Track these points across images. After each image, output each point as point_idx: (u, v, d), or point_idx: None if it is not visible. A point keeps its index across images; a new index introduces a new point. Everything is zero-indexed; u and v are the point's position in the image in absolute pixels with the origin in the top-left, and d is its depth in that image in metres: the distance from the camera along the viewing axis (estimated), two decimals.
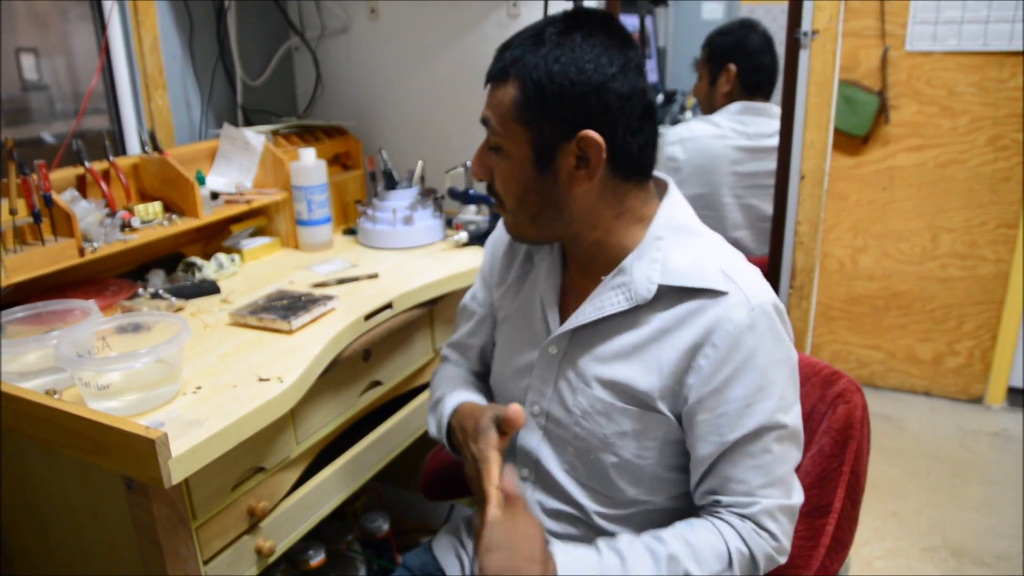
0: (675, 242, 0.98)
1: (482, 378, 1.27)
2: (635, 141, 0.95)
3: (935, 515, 2.39)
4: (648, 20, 3.30)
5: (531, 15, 1.81)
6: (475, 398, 1.15)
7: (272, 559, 1.26)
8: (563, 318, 1.05)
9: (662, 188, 1.04)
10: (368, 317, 1.40)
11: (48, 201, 1.30)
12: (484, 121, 0.97)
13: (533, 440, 1.09)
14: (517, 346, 1.12)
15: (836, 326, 3.23)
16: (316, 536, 1.62)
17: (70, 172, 1.46)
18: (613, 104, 0.92)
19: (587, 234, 1.00)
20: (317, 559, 1.56)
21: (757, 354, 0.93)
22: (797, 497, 0.99)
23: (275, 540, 1.25)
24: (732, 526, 0.95)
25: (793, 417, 0.97)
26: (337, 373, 1.37)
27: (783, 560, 0.98)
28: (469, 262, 1.64)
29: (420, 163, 1.80)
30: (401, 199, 1.75)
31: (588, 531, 1.06)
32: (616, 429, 0.99)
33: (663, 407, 0.97)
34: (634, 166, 0.97)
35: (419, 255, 1.70)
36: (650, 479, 1.02)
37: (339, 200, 1.89)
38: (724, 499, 0.97)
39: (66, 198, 1.38)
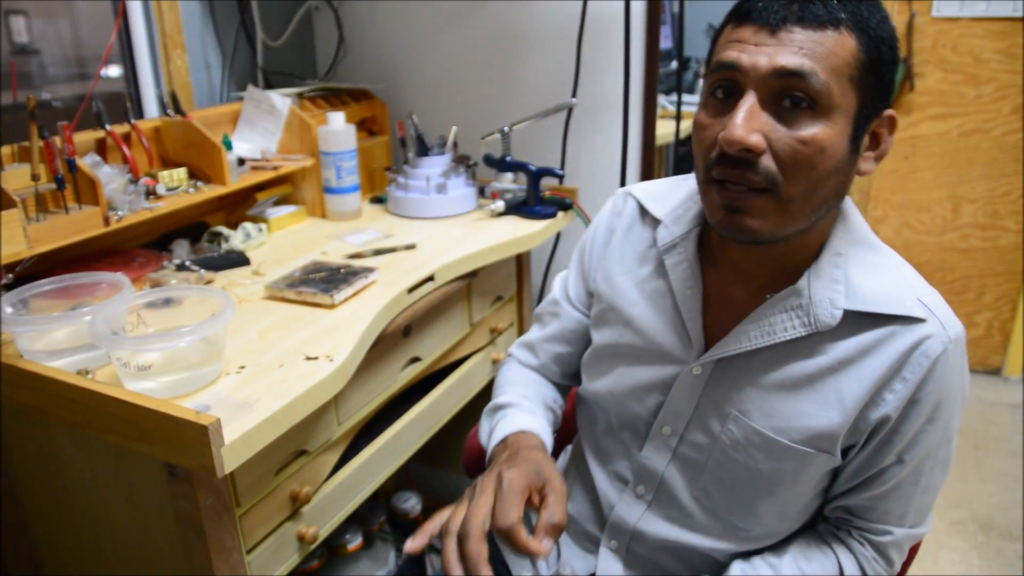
0: (857, 259, 0.85)
1: (555, 381, 1.16)
2: None
3: (961, 488, 2.37)
4: None
5: None
6: (543, 427, 1.01)
7: (314, 546, 1.20)
8: (708, 333, 0.92)
9: None
10: (411, 290, 1.33)
11: (72, 166, 1.21)
12: (791, 73, 0.73)
13: (659, 460, 0.96)
14: (641, 358, 0.97)
15: None
16: (351, 518, 1.57)
17: (89, 136, 1.37)
18: (896, 79, 0.81)
19: (803, 238, 0.84)
20: (355, 543, 1.51)
21: (944, 390, 0.84)
22: (927, 525, 0.94)
23: (317, 526, 1.19)
24: (852, 551, 0.91)
25: (953, 446, 0.90)
26: (378, 350, 1.30)
27: None
28: (507, 232, 1.57)
29: (454, 128, 1.71)
30: (434, 166, 1.66)
31: (694, 562, 0.98)
32: (775, 466, 0.88)
33: (839, 447, 0.86)
34: None
35: (454, 225, 1.62)
36: (797, 512, 0.93)
37: (365, 167, 1.80)
38: (857, 522, 0.92)
39: (88, 163, 1.29)
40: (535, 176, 1.64)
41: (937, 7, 2.74)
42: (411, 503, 1.72)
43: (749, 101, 0.75)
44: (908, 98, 2.87)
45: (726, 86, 0.78)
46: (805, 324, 0.84)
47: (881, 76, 0.77)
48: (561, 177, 1.65)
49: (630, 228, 1.02)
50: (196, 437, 0.88)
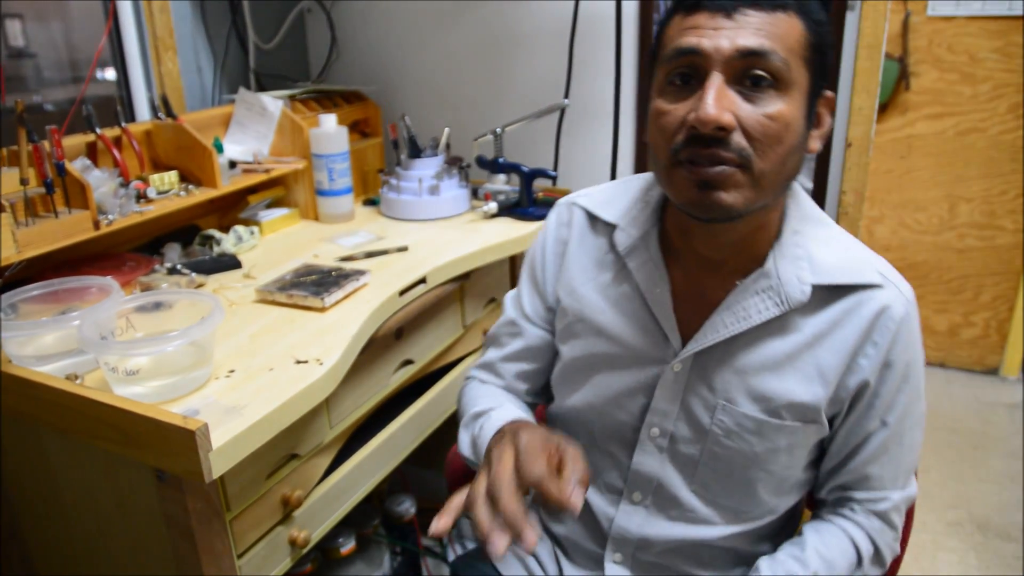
0: (812, 235, 0.89)
1: (522, 400, 1.12)
2: None
3: (958, 488, 2.36)
4: None
5: None
6: (529, 419, 0.99)
7: (306, 550, 1.20)
8: (682, 328, 0.92)
9: None
10: (402, 293, 1.32)
11: (61, 170, 1.21)
12: (754, 52, 0.76)
13: (652, 463, 0.97)
14: (618, 364, 0.97)
15: None
16: (344, 521, 1.56)
17: (79, 139, 1.36)
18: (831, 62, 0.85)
19: (764, 217, 0.87)
20: (348, 546, 1.50)
21: (912, 350, 0.89)
22: (915, 485, 0.98)
23: (309, 530, 1.19)
24: (861, 526, 0.94)
25: (924, 402, 0.95)
26: (370, 353, 1.29)
27: (898, 549, 0.98)
28: (500, 234, 1.56)
29: (446, 130, 1.71)
30: (426, 168, 1.66)
31: (703, 556, 0.99)
32: (769, 446, 0.91)
33: (825, 417, 0.90)
34: None
35: (447, 227, 1.62)
36: (791, 486, 0.96)
37: (358, 169, 1.80)
38: (857, 495, 0.95)
39: (78, 167, 1.29)
40: (528, 177, 1.63)
41: (932, 6, 2.73)
42: (405, 506, 1.71)
43: (717, 82, 0.77)
44: (904, 97, 2.86)
45: (685, 72, 0.79)
46: (778, 304, 0.87)
47: (824, 57, 0.81)
48: (554, 178, 1.65)
49: (582, 237, 1.02)
50: (183, 442, 0.88)
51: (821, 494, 0.98)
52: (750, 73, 0.77)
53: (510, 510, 0.72)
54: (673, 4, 0.83)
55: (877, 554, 0.95)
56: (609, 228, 0.99)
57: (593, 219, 1.01)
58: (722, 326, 0.89)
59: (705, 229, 0.87)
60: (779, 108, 0.77)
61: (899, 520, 0.96)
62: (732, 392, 0.90)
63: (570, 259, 1.02)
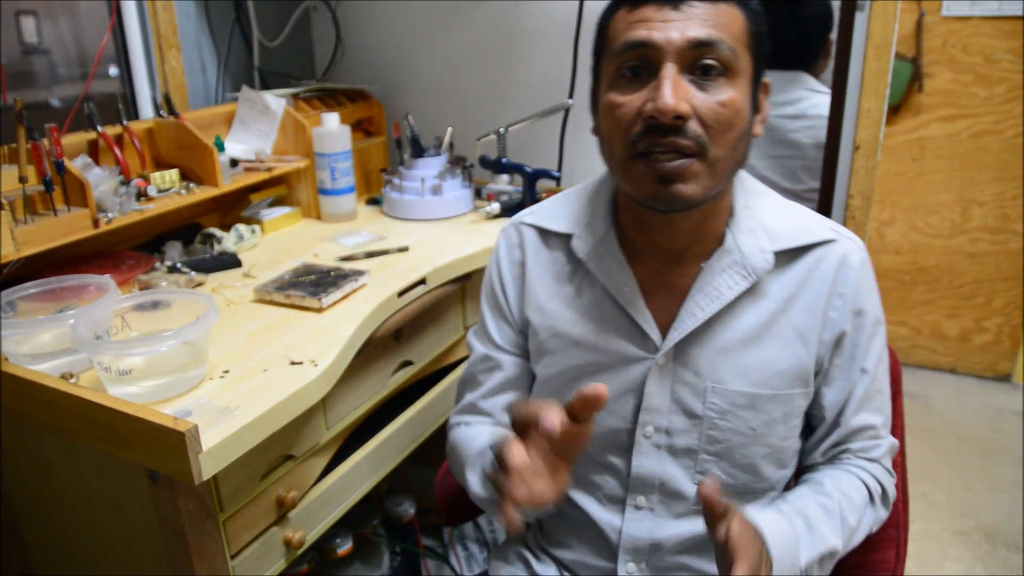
0: (761, 206, 0.93)
1: None
2: None
3: (967, 496, 2.34)
4: None
5: None
6: None
7: (301, 551, 1.19)
8: (657, 321, 0.93)
9: None
10: (401, 294, 1.32)
11: (60, 168, 1.21)
12: (703, 43, 0.79)
13: (651, 463, 0.95)
14: (602, 371, 0.96)
15: None
16: (341, 522, 1.56)
17: (81, 137, 1.37)
18: (768, 50, 0.86)
19: (718, 201, 0.89)
20: (345, 547, 1.50)
21: (873, 294, 0.94)
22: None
23: (304, 531, 1.18)
24: (864, 468, 0.98)
25: (888, 350, 0.99)
26: (369, 354, 1.28)
27: (896, 494, 1.02)
28: None
29: (449, 130, 1.71)
30: (429, 167, 1.65)
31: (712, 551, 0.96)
32: (764, 419, 0.92)
33: (811, 379, 0.93)
34: None
35: (449, 227, 1.61)
36: (790, 456, 0.98)
37: (362, 168, 1.79)
38: (853, 447, 0.97)
39: (78, 165, 1.29)
40: (531, 178, 1.62)
41: (947, 6, 2.70)
42: (404, 507, 1.71)
43: (671, 72, 0.79)
44: (917, 99, 2.83)
45: (636, 64, 0.82)
46: (745, 276, 0.89)
47: (762, 45, 0.85)
48: (558, 179, 1.64)
49: (537, 254, 1.02)
50: (174, 443, 0.87)
51: (816, 459, 1.00)
52: (700, 63, 0.80)
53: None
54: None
55: (884, 494, 0.98)
56: (563, 239, 0.99)
57: (544, 234, 1.02)
58: (698, 309, 0.90)
59: (663, 220, 0.89)
60: (730, 95, 0.81)
61: (889, 464, 1.00)
62: (719, 372, 0.91)
63: (530, 278, 1.02)
